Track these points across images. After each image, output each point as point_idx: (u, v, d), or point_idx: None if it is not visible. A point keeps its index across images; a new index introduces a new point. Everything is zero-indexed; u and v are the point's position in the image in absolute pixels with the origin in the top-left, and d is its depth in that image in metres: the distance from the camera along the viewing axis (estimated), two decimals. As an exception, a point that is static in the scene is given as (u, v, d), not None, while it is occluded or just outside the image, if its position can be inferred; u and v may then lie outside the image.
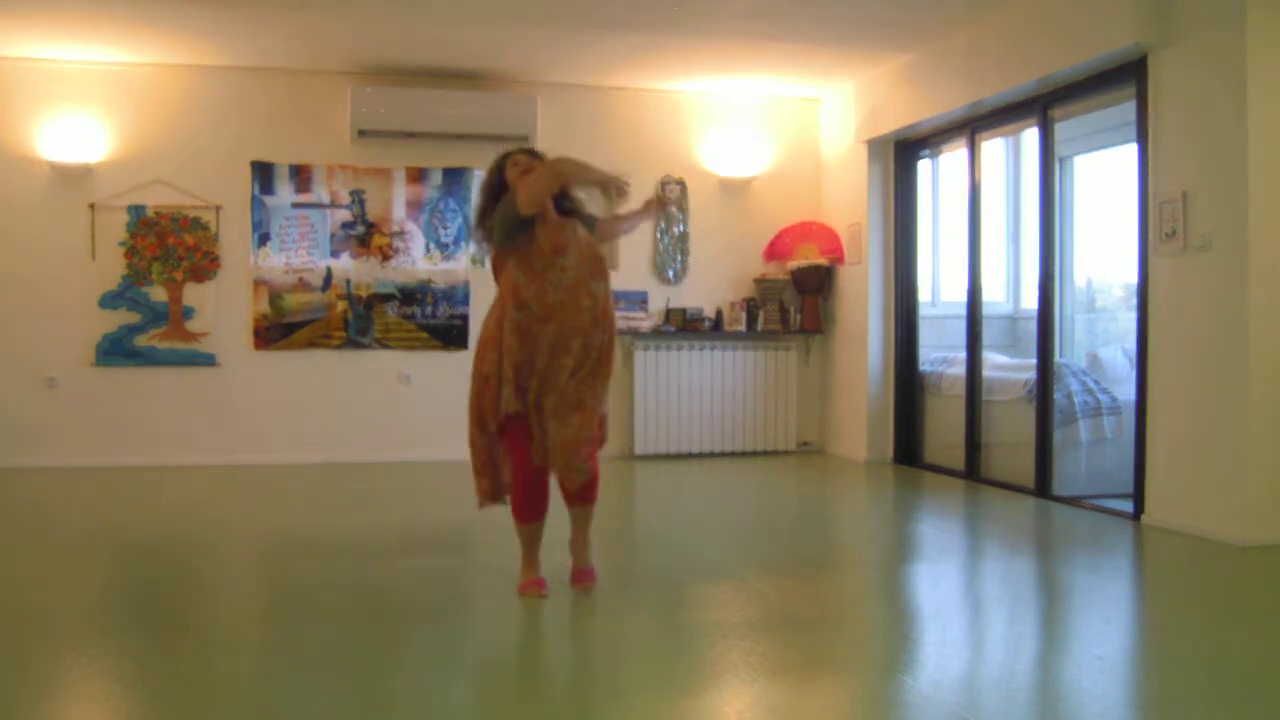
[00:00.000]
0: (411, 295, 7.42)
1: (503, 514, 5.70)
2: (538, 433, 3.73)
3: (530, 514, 3.83)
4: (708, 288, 7.90)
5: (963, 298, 6.83)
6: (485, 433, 3.81)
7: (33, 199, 6.93)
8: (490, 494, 3.89)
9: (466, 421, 3.88)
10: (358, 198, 7.34)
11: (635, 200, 4.14)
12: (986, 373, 6.70)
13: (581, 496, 3.90)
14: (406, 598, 3.88)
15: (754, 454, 7.87)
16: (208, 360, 7.16)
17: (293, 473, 6.90)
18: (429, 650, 3.28)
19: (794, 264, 7.82)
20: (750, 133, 7.90)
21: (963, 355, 6.83)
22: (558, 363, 3.68)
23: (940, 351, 7.48)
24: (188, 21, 6.18)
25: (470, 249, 7.49)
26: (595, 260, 3.81)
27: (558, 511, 3.88)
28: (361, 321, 7.37)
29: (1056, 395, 6.05)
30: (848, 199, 7.71)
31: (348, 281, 7.33)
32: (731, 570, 4.26)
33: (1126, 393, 5.87)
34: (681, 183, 7.83)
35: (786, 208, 7.94)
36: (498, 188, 3.87)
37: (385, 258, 7.38)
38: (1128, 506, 5.38)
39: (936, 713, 2.76)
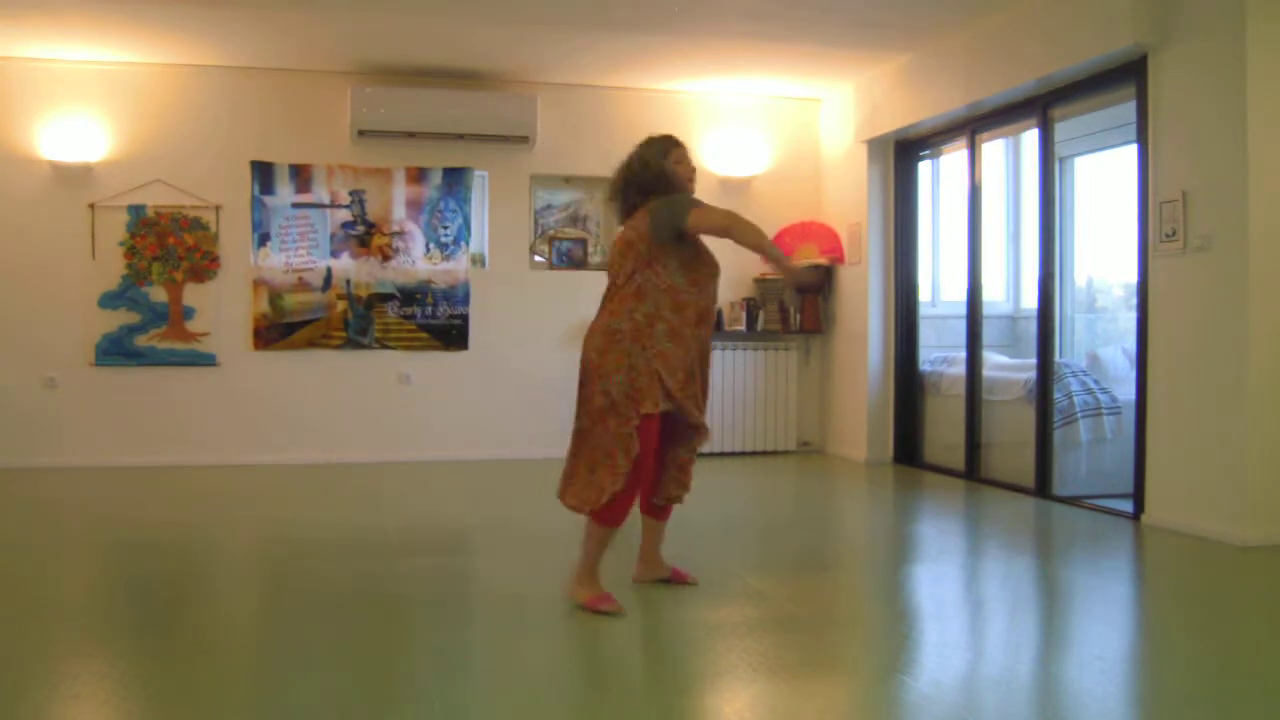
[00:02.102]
0: (411, 295, 7.42)
1: (503, 515, 5.71)
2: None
3: (622, 517, 3.65)
4: (708, 288, 7.89)
5: (963, 298, 6.83)
6: (626, 430, 3.53)
7: (33, 199, 6.93)
8: (622, 518, 3.62)
9: (590, 420, 3.60)
10: (358, 198, 7.35)
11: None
12: (986, 373, 6.70)
13: (668, 511, 3.97)
14: (407, 597, 3.88)
15: (754, 454, 7.87)
16: (208, 360, 7.16)
17: (293, 473, 6.90)
18: (429, 650, 3.28)
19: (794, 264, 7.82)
20: (750, 133, 7.90)
21: (963, 355, 6.84)
22: (707, 364, 3.79)
23: (940, 351, 7.48)
24: (188, 21, 6.18)
25: (470, 249, 7.50)
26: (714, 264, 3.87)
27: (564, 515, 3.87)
28: (361, 321, 7.37)
29: (1056, 395, 6.05)
30: (848, 199, 7.71)
31: (348, 281, 7.33)
32: (731, 570, 4.26)
33: (1126, 393, 5.87)
34: (681, 183, 7.83)
35: (786, 207, 7.94)
36: (657, 176, 3.78)
37: (385, 258, 7.38)
38: (1128, 506, 5.38)
39: (936, 713, 2.76)
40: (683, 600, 3.83)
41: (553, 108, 7.51)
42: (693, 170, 3.87)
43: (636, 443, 3.52)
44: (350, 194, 7.34)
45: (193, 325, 7.14)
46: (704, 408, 3.79)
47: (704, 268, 3.74)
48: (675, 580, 3.97)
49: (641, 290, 3.64)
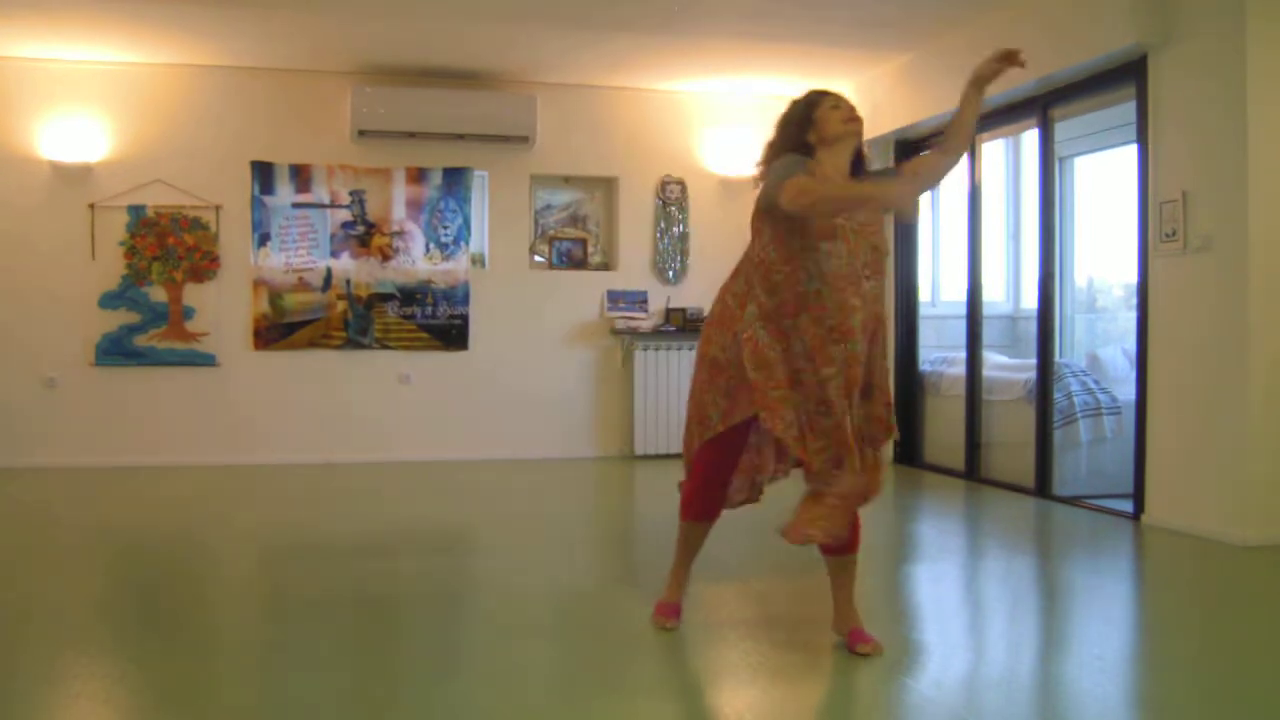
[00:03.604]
0: (411, 295, 7.42)
1: (503, 515, 5.71)
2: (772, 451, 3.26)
3: (700, 510, 3.35)
4: (708, 287, 7.80)
5: (963, 298, 6.82)
6: (708, 428, 3.20)
7: (33, 199, 6.93)
8: (701, 511, 3.36)
9: (685, 417, 3.33)
10: (358, 198, 7.34)
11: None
12: (986, 373, 6.70)
13: (837, 546, 3.29)
14: (406, 597, 3.88)
15: (754, 454, 7.85)
16: (208, 360, 7.15)
17: (293, 473, 6.89)
18: (428, 650, 3.27)
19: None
20: (750, 133, 7.88)
21: (963, 355, 6.83)
22: (818, 372, 3.01)
23: (940, 351, 7.48)
24: (188, 21, 6.18)
25: (470, 249, 7.49)
26: (873, 252, 3.07)
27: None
28: (361, 321, 7.36)
29: (1056, 395, 6.05)
30: (848, 199, 7.68)
31: (348, 281, 7.33)
32: (731, 570, 4.25)
33: (1126, 393, 5.87)
34: (681, 183, 7.83)
35: (786, 208, 7.91)
36: (801, 126, 3.15)
37: (385, 258, 7.37)
38: (1128, 506, 5.38)
39: (937, 713, 2.76)
40: (683, 601, 3.82)
41: (553, 108, 7.50)
42: (852, 121, 3.14)
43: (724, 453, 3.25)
44: (350, 194, 7.33)
45: (193, 325, 7.13)
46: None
47: (797, 236, 3.04)
48: (851, 642, 3.21)
49: (740, 267, 3.23)
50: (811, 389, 3.03)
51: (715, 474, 3.30)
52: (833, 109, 3.15)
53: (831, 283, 3.01)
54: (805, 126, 3.16)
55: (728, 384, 3.15)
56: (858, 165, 3.22)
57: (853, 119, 3.16)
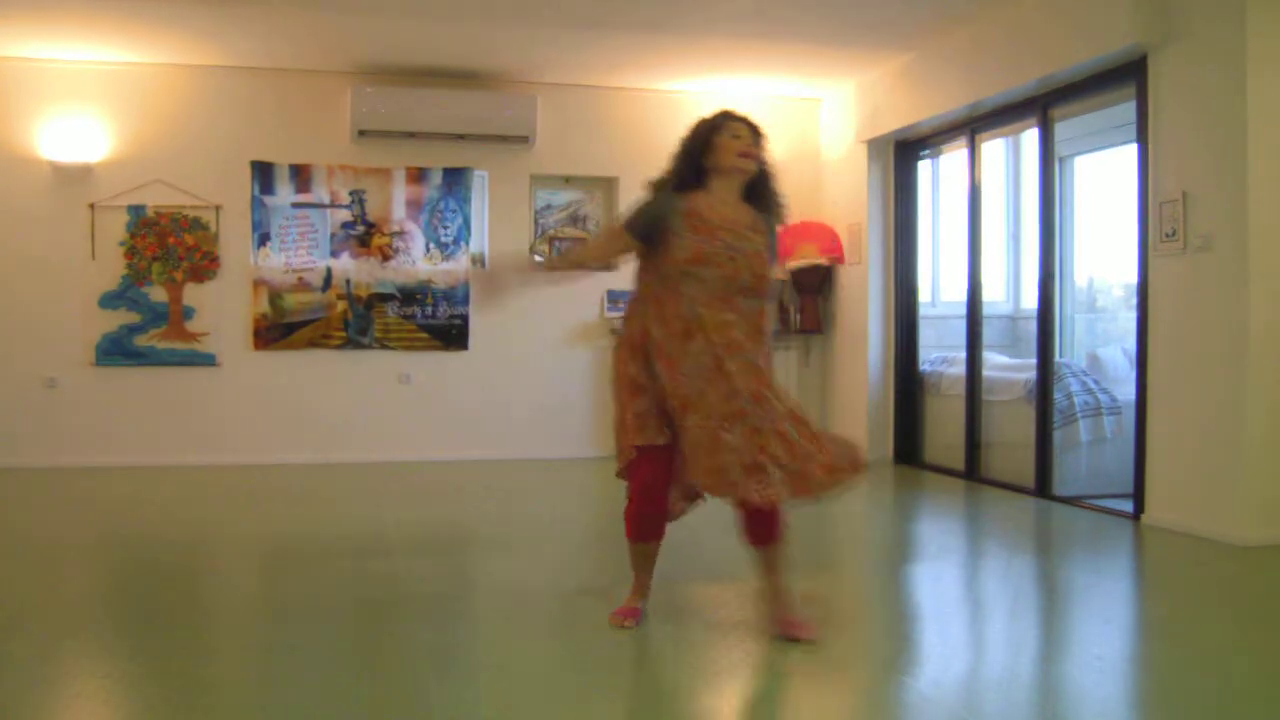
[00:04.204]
0: (411, 295, 7.42)
1: (502, 515, 5.71)
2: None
3: (640, 532, 3.40)
4: (708, 288, 7.89)
5: (963, 298, 6.83)
6: (630, 445, 3.30)
7: (33, 199, 6.93)
8: (643, 532, 3.40)
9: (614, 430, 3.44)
10: (358, 198, 7.34)
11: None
12: (986, 373, 6.70)
13: (756, 535, 3.32)
14: (406, 598, 3.88)
15: (754, 454, 7.85)
16: (208, 360, 7.16)
17: (292, 473, 6.89)
18: (427, 651, 3.27)
19: (794, 264, 7.82)
20: (750, 133, 7.89)
21: (963, 355, 6.84)
22: (727, 383, 3.13)
23: (940, 351, 7.48)
24: (188, 21, 6.18)
25: (470, 249, 7.49)
26: (754, 277, 3.19)
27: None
28: (361, 321, 7.36)
29: (1056, 395, 6.05)
30: (848, 199, 7.71)
31: (348, 281, 7.33)
32: (732, 570, 4.25)
33: (1126, 393, 5.87)
34: (681, 183, 7.82)
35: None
36: (698, 151, 3.26)
37: (385, 258, 7.37)
38: (1128, 506, 5.38)
39: (936, 713, 2.76)
40: (683, 601, 3.83)
41: (553, 108, 7.50)
42: (750, 152, 3.23)
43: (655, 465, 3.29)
44: (350, 194, 7.33)
45: (193, 325, 7.14)
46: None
47: (670, 265, 3.19)
48: (787, 631, 3.25)
49: (639, 294, 3.37)
50: (715, 405, 3.13)
51: (651, 492, 3.33)
52: (732, 139, 3.21)
53: (707, 304, 3.15)
54: (705, 150, 3.23)
55: (658, 407, 3.26)
56: (760, 194, 3.28)
57: (747, 154, 3.21)
